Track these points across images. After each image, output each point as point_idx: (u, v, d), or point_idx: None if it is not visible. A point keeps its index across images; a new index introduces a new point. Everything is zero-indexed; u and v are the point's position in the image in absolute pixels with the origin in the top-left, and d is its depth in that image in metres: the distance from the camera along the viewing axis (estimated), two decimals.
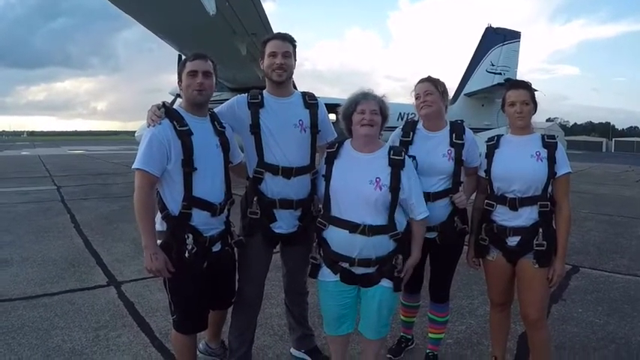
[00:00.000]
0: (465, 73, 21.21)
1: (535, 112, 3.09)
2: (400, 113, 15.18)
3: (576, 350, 3.83)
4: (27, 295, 5.00)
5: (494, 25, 21.34)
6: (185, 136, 2.77)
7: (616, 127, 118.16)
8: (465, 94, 20.01)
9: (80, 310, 4.57)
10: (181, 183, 2.79)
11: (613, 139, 78.93)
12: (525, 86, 3.09)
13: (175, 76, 3.03)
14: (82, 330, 4.13)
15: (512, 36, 21.51)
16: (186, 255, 2.78)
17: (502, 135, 3.21)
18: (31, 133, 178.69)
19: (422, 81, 3.25)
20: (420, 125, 3.31)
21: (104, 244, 7.16)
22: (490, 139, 3.20)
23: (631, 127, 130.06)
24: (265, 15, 9.66)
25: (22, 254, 6.58)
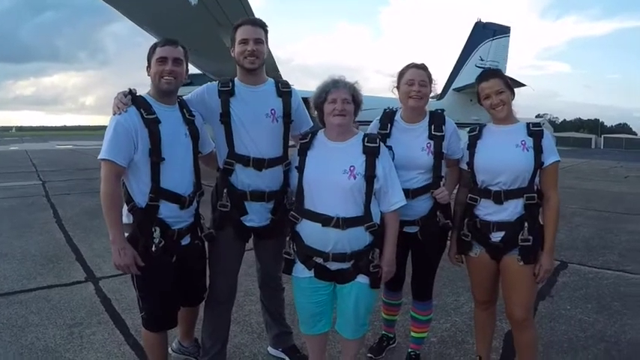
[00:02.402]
0: (454, 67, 21.18)
1: (513, 97, 2.91)
2: (387, 107, 15.14)
3: (565, 349, 3.74)
4: (3, 291, 4.90)
5: (484, 20, 21.36)
6: (152, 125, 2.65)
7: (605, 124, 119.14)
8: (453, 89, 19.94)
9: (56, 307, 4.47)
10: (148, 174, 2.68)
11: (602, 136, 79.47)
12: (495, 74, 2.93)
13: None
14: (56, 327, 4.04)
15: (502, 31, 21.52)
16: (153, 249, 2.67)
17: (485, 125, 3.04)
18: (20, 129, 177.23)
19: (417, 67, 3.06)
20: (398, 116, 3.17)
21: (85, 240, 7.04)
22: (472, 130, 3.02)
23: (619, 124, 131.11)
24: (249, 5, 9.58)
25: (2, 250, 6.46)
